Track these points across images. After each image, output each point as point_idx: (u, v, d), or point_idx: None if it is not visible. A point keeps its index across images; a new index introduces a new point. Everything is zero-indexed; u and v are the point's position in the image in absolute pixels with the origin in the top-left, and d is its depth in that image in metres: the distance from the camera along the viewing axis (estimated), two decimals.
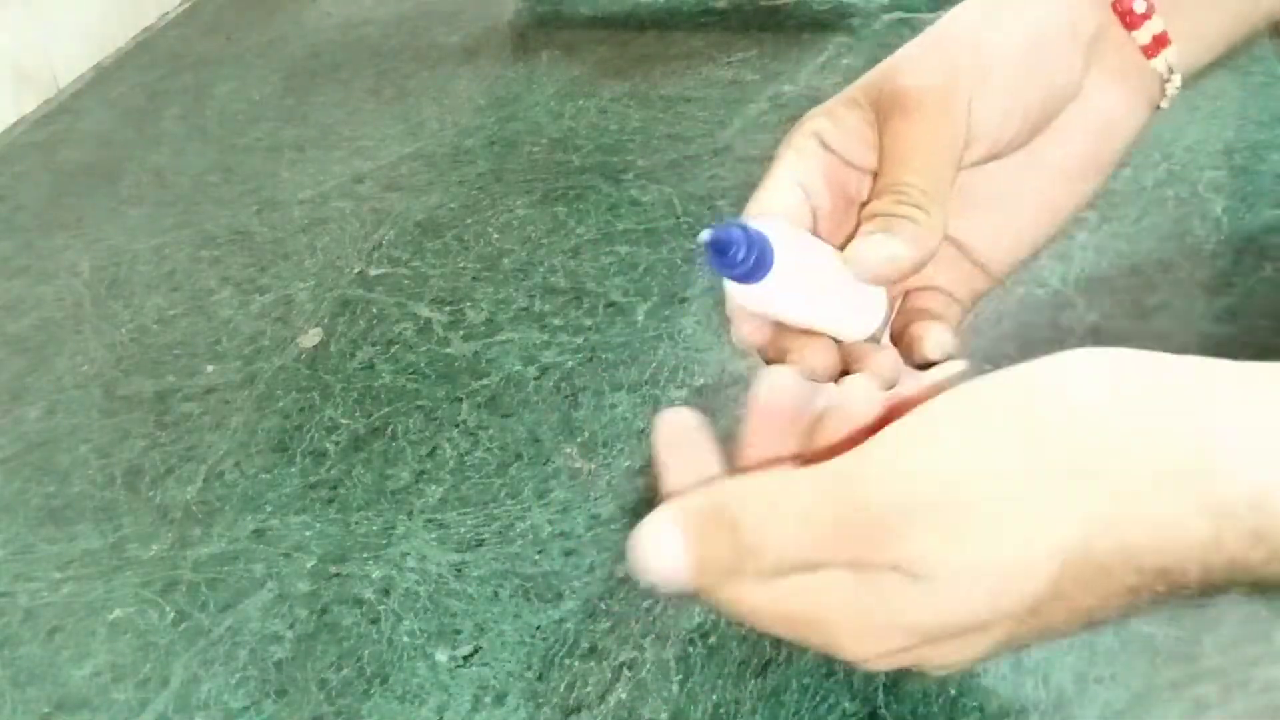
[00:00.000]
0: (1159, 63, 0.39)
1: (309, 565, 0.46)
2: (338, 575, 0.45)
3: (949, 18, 0.38)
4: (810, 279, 0.34)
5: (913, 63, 0.36)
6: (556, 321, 0.57)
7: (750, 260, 0.32)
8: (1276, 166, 0.61)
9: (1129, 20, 0.38)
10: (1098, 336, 0.51)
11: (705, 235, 0.32)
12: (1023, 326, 0.52)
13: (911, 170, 0.35)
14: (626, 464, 0.48)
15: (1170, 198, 0.60)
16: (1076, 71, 0.37)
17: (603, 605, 0.43)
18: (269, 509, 0.49)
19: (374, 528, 0.47)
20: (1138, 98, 0.40)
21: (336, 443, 0.51)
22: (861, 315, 0.37)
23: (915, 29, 0.81)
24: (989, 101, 0.36)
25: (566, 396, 0.52)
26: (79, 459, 0.53)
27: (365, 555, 0.46)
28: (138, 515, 0.49)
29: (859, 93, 0.37)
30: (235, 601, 0.45)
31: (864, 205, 0.36)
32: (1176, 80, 0.40)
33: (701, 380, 0.52)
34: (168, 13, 0.95)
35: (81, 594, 0.46)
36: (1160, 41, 0.39)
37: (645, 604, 0.43)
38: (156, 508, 0.49)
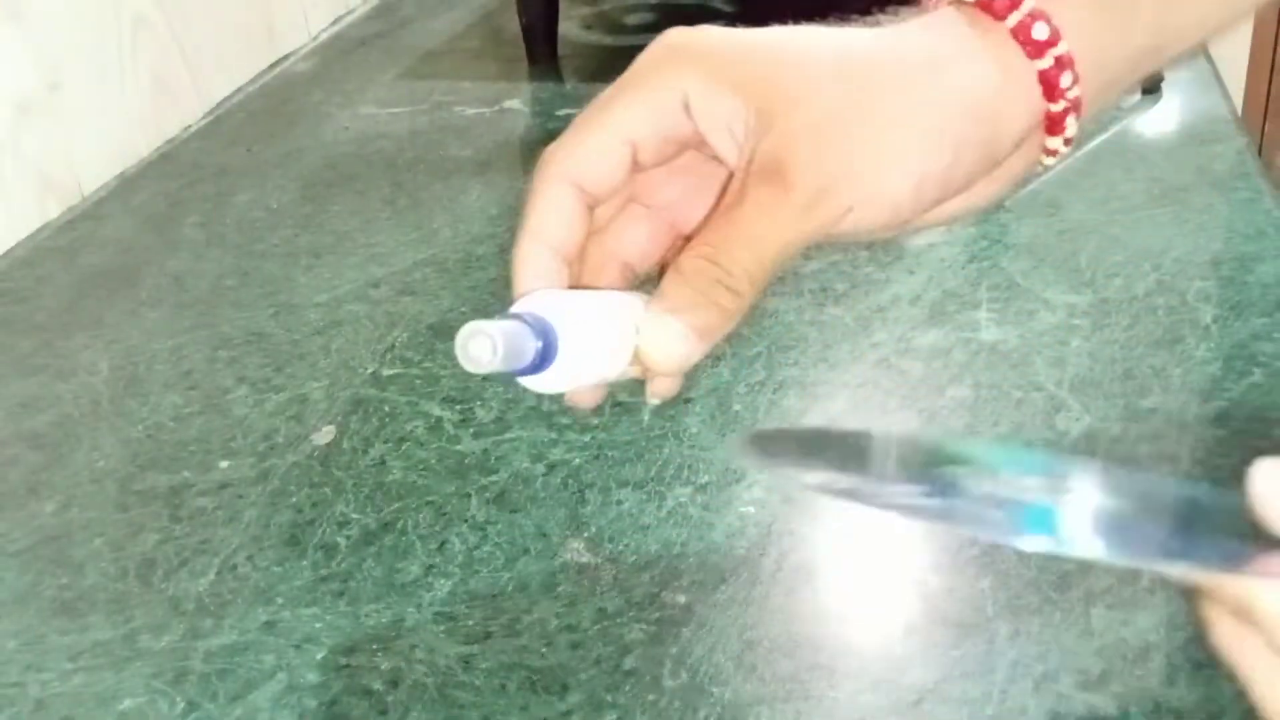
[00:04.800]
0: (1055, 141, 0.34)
1: (319, 656, 0.46)
2: (347, 666, 0.46)
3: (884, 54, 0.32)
4: (592, 345, 0.31)
5: (811, 130, 0.31)
6: (564, 420, 0.58)
7: (540, 358, 0.30)
8: (1263, 277, 0.63)
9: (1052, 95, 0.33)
10: (1092, 439, 0.53)
11: (482, 348, 0.29)
12: (1018, 428, 0.54)
13: (747, 251, 0.30)
14: (632, 559, 0.49)
15: (1160, 306, 0.62)
16: (983, 171, 0.33)
17: (609, 698, 0.43)
18: (280, 601, 0.49)
19: (383, 620, 0.48)
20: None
21: (348, 537, 0.52)
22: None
23: None
24: (875, 201, 0.31)
25: (574, 493, 0.53)
26: (93, 552, 0.53)
27: (374, 647, 0.47)
28: (150, 607, 0.50)
29: (734, 78, 0.31)
30: (245, 692, 0.45)
31: (691, 235, 0.32)
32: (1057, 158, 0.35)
33: (706, 477, 0.53)
34: (190, 125, 0.98)
35: (92, 684, 0.46)
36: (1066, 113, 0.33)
37: (651, 697, 0.43)
38: (169, 599, 0.50)
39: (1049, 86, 0.32)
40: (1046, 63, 0.32)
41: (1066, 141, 0.34)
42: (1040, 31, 0.32)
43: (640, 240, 0.35)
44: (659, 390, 0.34)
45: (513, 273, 0.33)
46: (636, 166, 0.33)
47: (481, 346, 0.29)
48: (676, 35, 0.33)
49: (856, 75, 0.31)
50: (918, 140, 0.31)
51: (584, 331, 0.31)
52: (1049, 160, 0.34)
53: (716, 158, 0.33)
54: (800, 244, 0.31)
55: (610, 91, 0.33)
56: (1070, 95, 0.32)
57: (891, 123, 0.31)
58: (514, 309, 0.31)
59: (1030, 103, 0.32)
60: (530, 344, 0.29)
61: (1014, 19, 0.32)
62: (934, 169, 0.31)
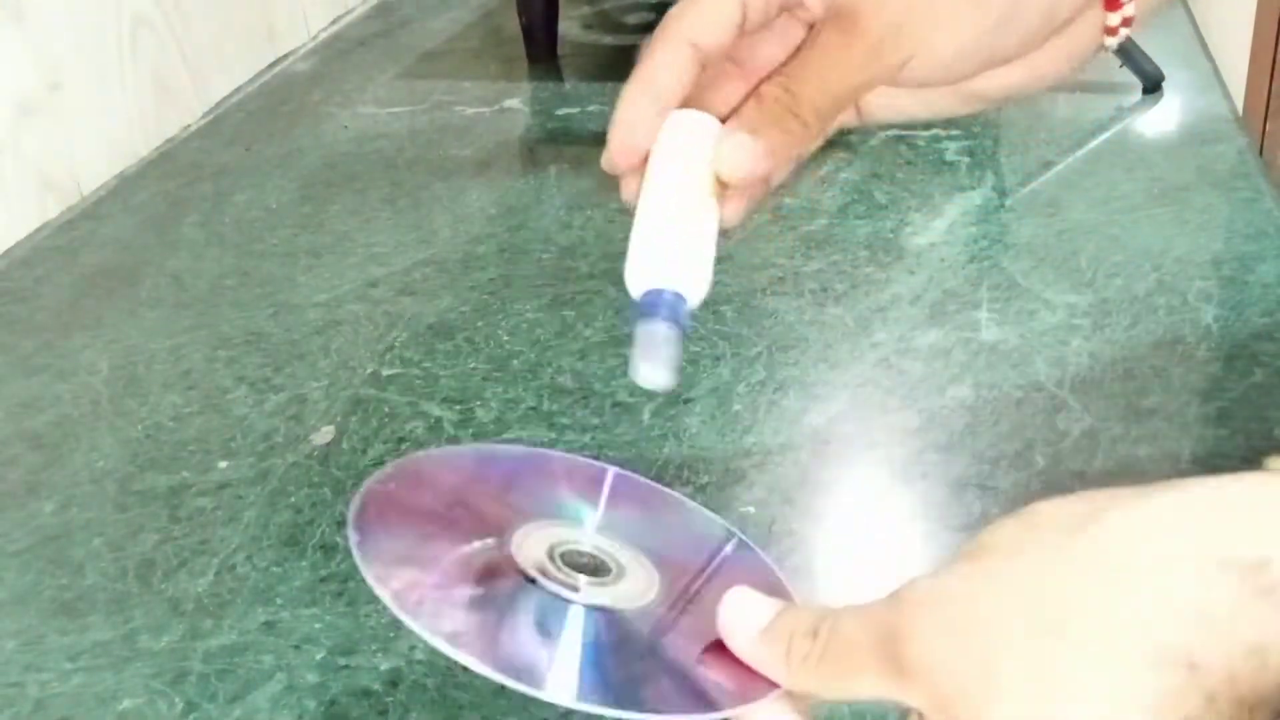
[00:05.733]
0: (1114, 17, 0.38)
1: (318, 657, 0.46)
2: (346, 667, 0.46)
3: None
4: (695, 254, 0.35)
5: None
6: (564, 420, 0.58)
7: (678, 317, 0.34)
8: (1264, 277, 0.63)
9: None
10: (1093, 438, 0.53)
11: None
12: (1018, 428, 0.54)
13: (817, 85, 0.36)
14: None
15: (1161, 306, 0.62)
16: (1041, 37, 0.37)
17: None
18: (279, 601, 0.49)
19: (383, 620, 0.48)
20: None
21: (347, 537, 0.52)
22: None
23: (911, 145, 0.84)
24: (937, 47, 0.36)
25: None
26: (92, 552, 0.53)
27: (374, 647, 0.46)
28: (149, 607, 0.50)
29: None
30: (244, 693, 0.45)
31: (767, 77, 0.36)
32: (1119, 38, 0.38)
33: (706, 478, 0.53)
34: (189, 125, 0.98)
35: (91, 685, 0.46)
36: None
37: None
38: (168, 600, 0.50)
39: None
40: None
41: (1125, 21, 0.37)
42: None
43: (735, 94, 0.38)
44: (729, 216, 0.37)
45: (616, 112, 0.37)
46: (743, 27, 0.37)
47: (660, 376, 0.33)
48: None
49: None
50: (970, 2, 0.35)
51: (691, 259, 0.35)
52: (1110, 40, 0.38)
53: (807, 21, 0.38)
54: (863, 85, 0.36)
55: None
56: None
57: None
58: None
59: None
60: (672, 332, 0.34)
61: None
62: (983, 28, 0.35)
